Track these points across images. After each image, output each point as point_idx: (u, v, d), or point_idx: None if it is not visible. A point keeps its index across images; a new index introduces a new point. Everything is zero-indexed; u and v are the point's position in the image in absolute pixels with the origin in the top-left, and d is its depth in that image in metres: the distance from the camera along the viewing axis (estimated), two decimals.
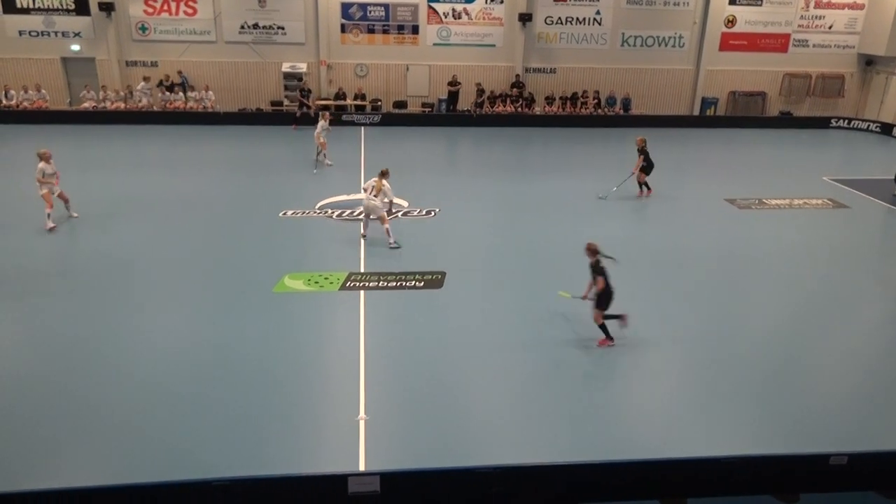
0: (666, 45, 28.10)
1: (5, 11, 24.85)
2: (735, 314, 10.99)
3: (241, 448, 7.37)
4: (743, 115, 28.81)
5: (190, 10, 25.66)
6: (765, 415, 8.19)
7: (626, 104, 27.94)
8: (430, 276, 11.92)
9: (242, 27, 26.05)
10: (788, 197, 17.51)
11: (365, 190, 13.70)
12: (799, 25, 28.44)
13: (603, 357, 9.44)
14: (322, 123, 19.18)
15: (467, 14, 26.76)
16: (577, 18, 27.33)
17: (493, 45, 27.29)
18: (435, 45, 27.01)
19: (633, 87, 28.08)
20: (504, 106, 27.13)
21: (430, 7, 26.51)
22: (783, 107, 29.25)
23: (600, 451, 7.40)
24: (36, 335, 9.81)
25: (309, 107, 25.13)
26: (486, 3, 26.69)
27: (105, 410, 8.01)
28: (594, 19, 27.41)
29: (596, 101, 27.81)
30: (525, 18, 26.59)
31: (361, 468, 7.08)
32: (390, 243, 13.31)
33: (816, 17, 28.38)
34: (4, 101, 24.53)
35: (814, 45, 28.78)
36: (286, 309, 10.71)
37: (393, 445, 7.53)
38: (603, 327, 9.70)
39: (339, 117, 25.68)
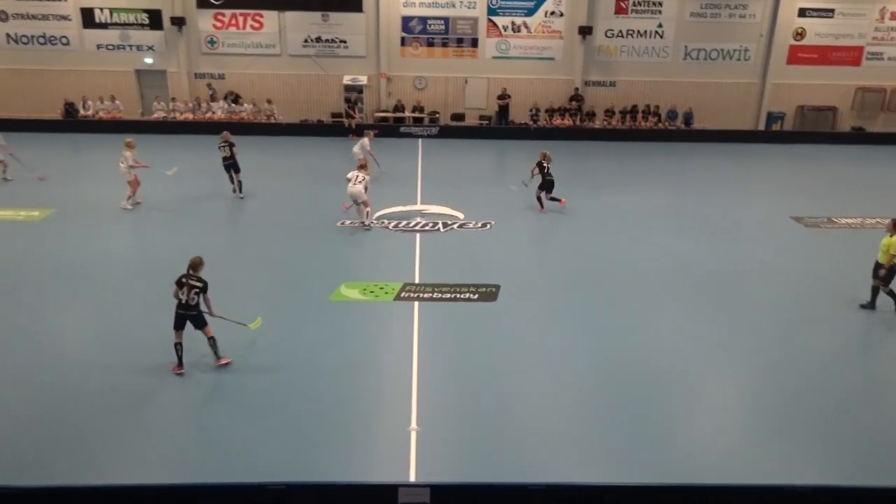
0: (730, 57, 27.45)
1: (86, 26, 26.16)
2: (800, 337, 10.57)
3: (295, 453, 7.47)
4: (812, 130, 27.81)
5: (256, 25, 26.47)
6: (836, 444, 7.83)
7: (688, 118, 27.38)
8: (484, 289, 11.89)
9: (306, 41, 26.71)
10: (860, 216, 16.78)
11: (348, 179, 14.83)
12: (873, 38, 27.37)
13: (661, 378, 9.21)
14: (364, 141, 18.97)
15: (527, 27, 26.76)
16: (639, 31, 27.00)
17: (552, 59, 27.19)
18: (494, 58, 27.09)
19: (695, 101, 27.51)
20: (562, 119, 26.96)
21: (489, 20, 26.62)
22: (855, 122, 28.14)
23: (655, 475, 7.20)
24: (106, 328, 10.20)
25: (353, 116, 25.54)
26: (545, 16, 26.64)
27: (165, 409, 8.25)
28: (656, 32, 27.03)
29: (657, 115, 27.35)
30: (585, 31, 26.42)
31: (412, 479, 7.08)
32: (365, 224, 14.88)
33: (892, 29, 27.26)
34: (82, 112, 25.78)
35: (889, 59, 27.64)
36: (342, 317, 10.84)
37: (444, 457, 7.51)
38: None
39: (396, 129, 26.00)
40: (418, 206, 16.78)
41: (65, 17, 26.14)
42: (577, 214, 16.58)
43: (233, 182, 17.40)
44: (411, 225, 15.35)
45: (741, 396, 8.93)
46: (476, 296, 11.64)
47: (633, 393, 8.78)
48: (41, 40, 26.36)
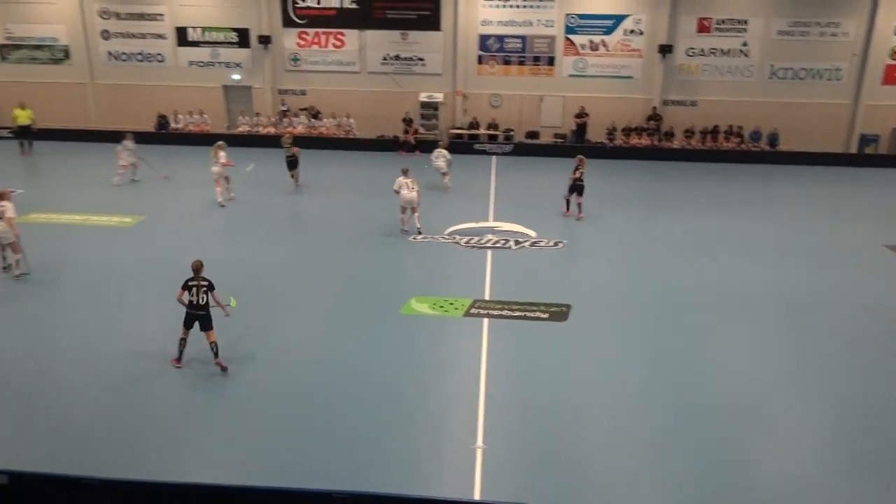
0: (820, 77, 26.34)
1: (179, 44, 27.62)
2: (891, 376, 9.92)
3: (360, 464, 7.54)
4: None
5: (338, 43, 27.27)
6: None
7: (773, 140, 26.39)
8: (555, 308, 11.74)
9: (384, 58, 27.30)
10: None
11: (397, 191, 15.59)
12: None
13: (737, 411, 8.82)
14: (441, 151, 20.11)
15: (605, 46, 26.51)
16: (722, 49, 26.29)
17: (631, 77, 26.80)
18: (570, 76, 26.94)
19: (780, 122, 26.49)
20: (639, 139, 26.48)
21: (567, 39, 26.52)
22: None
23: None
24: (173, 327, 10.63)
25: (408, 132, 25.81)
26: (624, 34, 26.33)
27: (236, 413, 8.50)
28: (741, 50, 26.25)
29: (739, 135, 26.49)
30: (665, 50, 25.94)
31: (476, 497, 7.02)
32: (418, 228, 15.53)
33: None
34: (173, 125, 27.15)
35: None
36: (411, 331, 10.92)
37: (508, 477, 7.41)
38: None
39: (471, 146, 26.17)
40: (490, 223, 16.78)
41: (161, 36, 27.67)
42: (652, 236, 16.21)
43: (293, 178, 19.86)
44: (483, 241, 15.36)
45: (824, 436, 8.44)
46: (546, 315, 11.51)
47: (706, 425, 8.44)
48: (139, 57, 27.97)
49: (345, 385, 9.24)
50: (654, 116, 26.70)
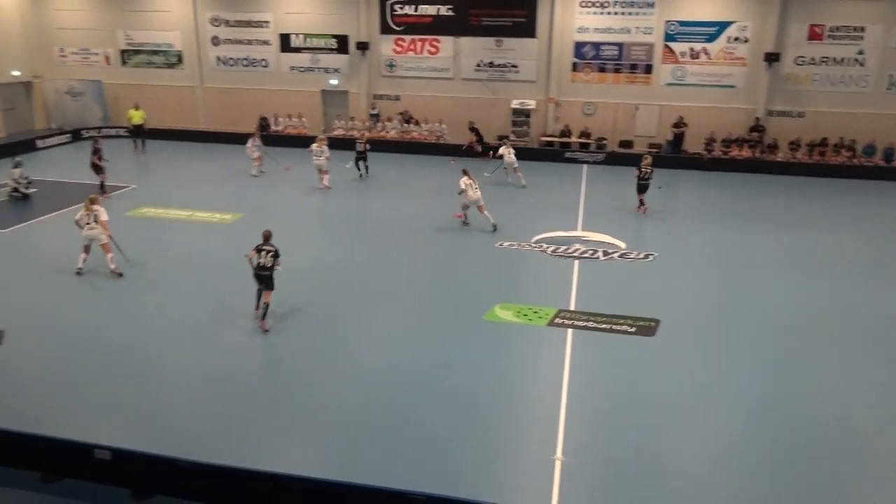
0: None
1: (282, 50, 28.78)
2: None
3: (438, 466, 7.59)
4: None
5: (433, 49, 27.62)
6: None
7: (889, 154, 24.62)
8: (642, 323, 11.41)
9: (478, 65, 27.42)
10: None
11: (463, 190, 16.23)
12: None
13: (832, 437, 8.27)
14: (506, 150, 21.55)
15: (706, 53, 25.57)
16: (835, 58, 24.78)
17: (733, 87, 25.72)
18: (668, 84, 26.14)
19: None
20: (740, 150, 25.37)
21: (666, 46, 25.77)
22: None
23: None
24: (277, 335, 11.04)
25: (476, 140, 25.88)
26: (728, 42, 25.30)
27: (319, 411, 8.74)
28: (856, 59, 24.66)
29: (851, 149, 24.89)
30: (772, 58, 24.73)
31: None
32: (494, 224, 16.26)
33: None
34: (273, 127, 28.31)
35: None
36: (494, 337, 10.89)
37: (587, 492, 7.27)
38: None
39: (561, 154, 25.87)
40: (578, 233, 16.51)
41: (266, 42, 28.91)
42: (750, 252, 15.47)
43: (359, 169, 22.17)
44: (570, 251, 15.14)
45: None
46: (633, 329, 11.20)
47: (798, 452, 7.97)
48: (245, 63, 29.34)
49: (426, 387, 9.33)
50: (757, 127, 25.49)
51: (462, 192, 16.29)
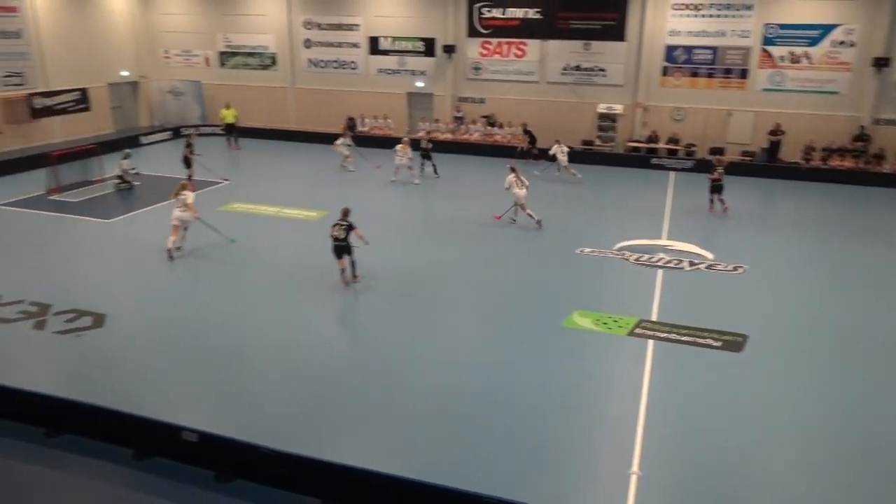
0: None
1: (371, 53, 29.39)
2: None
3: (509, 471, 7.54)
4: None
5: (519, 53, 27.52)
6: None
7: None
8: (729, 337, 10.96)
9: (565, 69, 27.11)
10: None
11: (509, 186, 16.81)
12: None
13: None
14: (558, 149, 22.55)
15: (808, 58, 24.32)
16: None
17: (836, 93, 24.34)
18: (764, 90, 25.03)
19: None
20: (842, 160, 23.98)
21: (764, 50, 24.68)
22: None
23: None
24: (357, 331, 11.29)
25: (531, 144, 25.69)
26: (832, 46, 23.98)
27: (397, 407, 8.85)
28: None
29: None
30: (881, 63, 23.25)
31: None
32: (538, 221, 16.79)
33: None
34: (359, 128, 28.95)
35: None
36: (572, 344, 10.74)
37: None
38: None
39: (647, 160, 25.23)
40: (663, 241, 16.04)
41: (355, 45, 29.60)
42: (849, 269, 14.59)
43: (423, 168, 22.38)
44: (654, 259, 14.73)
45: None
46: (719, 343, 10.78)
47: (883, 480, 7.46)
48: (335, 65, 30.14)
49: (501, 391, 9.30)
50: (862, 136, 24.02)
51: (509, 188, 16.89)
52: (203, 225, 14.91)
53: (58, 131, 26.67)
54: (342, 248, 12.73)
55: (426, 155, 22.60)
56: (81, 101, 27.55)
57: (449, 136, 27.89)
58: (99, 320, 11.27)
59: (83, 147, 22.07)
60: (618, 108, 26.51)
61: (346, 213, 12.87)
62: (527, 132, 26.04)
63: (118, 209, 18.45)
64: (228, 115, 27.79)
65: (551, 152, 22.73)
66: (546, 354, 10.38)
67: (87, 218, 17.42)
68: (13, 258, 14.41)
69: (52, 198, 19.20)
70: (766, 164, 24.57)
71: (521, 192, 16.69)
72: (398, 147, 21.52)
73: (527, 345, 10.71)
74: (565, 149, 22.57)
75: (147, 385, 9.39)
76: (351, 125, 28.80)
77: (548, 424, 8.51)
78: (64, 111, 26.83)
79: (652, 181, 22.83)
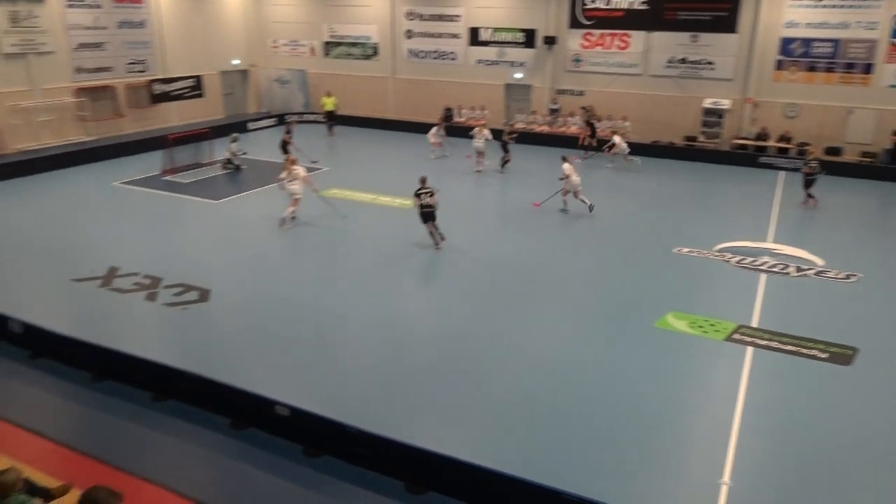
0: None
1: (471, 44, 29.42)
2: None
3: (594, 470, 7.41)
4: None
5: (622, 44, 26.77)
6: None
7: None
8: (837, 349, 10.30)
9: (670, 61, 26.15)
10: None
11: (566, 176, 17.15)
12: None
13: None
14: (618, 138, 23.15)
15: None
16: None
17: None
18: (891, 86, 23.22)
19: None
20: None
21: (892, 44, 22.87)
22: None
23: None
24: (449, 319, 11.41)
25: (590, 134, 25.22)
26: None
27: (486, 398, 8.88)
28: None
29: None
30: None
31: None
32: (589, 203, 17.28)
33: None
34: (456, 118, 29.10)
35: None
36: (664, 346, 10.41)
37: None
38: None
39: (755, 159, 24.01)
40: (769, 244, 15.24)
41: (455, 36, 29.71)
42: None
43: (503, 161, 22.37)
44: (757, 263, 14.02)
45: None
46: (825, 355, 10.15)
47: None
48: (434, 55, 30.39)
49: (589, 389, 9.15)
50: None
51: (566, 177, 17.16)
52: (317, 200, 16.09)
53: (174, 116, 28.31)
54: (431, 214, 14.21)
55: (505, 147, 22.41)
56: (196, 87, 29.10)
57: (545, 129, 27.56)
58: (204, 295, 11.92)
59: (196, 131, 23.36)
60: (725, 104, 25.33)
61: (424, 180, 14.48)
62: (589, 123, 25.71)
63: (226, 191, 19.41)
64: (329, 103, 28.67)
65: (612, 141, 23.19)
66: (637, 355, 10.11)
67: (197, 198, 18.42)
68: (131, 233, 15.46)
69: (166, 178, 20.43)
70: (889, 166, 22.83)
71: (577, 178, 17.17)
72: (475, 130, 22.05)
73: (617, 343, 10.47)
74: (624, 141, 23.30)
75: (246, 359, 9.85)
76: (448, 115, 28.99)
77: (636, 426, 8.30)
78: (180, 97, 28.44)
79: (759, 181, 21.72)
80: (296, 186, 15.67)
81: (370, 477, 7.34)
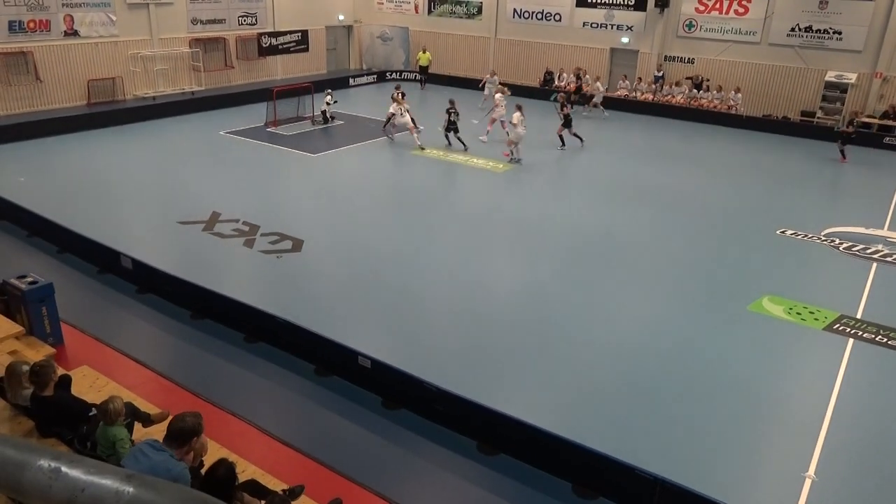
0: None
1: (578, 5, 28.45)
2: None
3: (671, 451, 7.28)
4: None
5: (741, 10, 25.16)
6: None
7: None
8: None
9: (792, 29, 24.38)
10: None
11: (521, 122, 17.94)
12: None
13: None
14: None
15: None
16: None
17: None
18: None
19: None
20: None
21: None
22: None
23: None
24: (539, 285, 11.37)
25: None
26: None
27: (572, 374, 8.84)
28: None
29: None
30: None
31: None
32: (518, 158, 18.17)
33: None
34: (556, 82, 28.42)
35: None
36: (757, 331, 9.98)
37: None
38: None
39: (880, 139, 22.22)
40: (884, 233, 14.19)
41: None
42: None
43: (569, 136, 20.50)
44: (869, 251, 13.10)
45: None
46: None
47: None
48: (539, 16, 29.63)
49: (678, 370, 8.94)
50: None
51: (495, 107, 20.05)
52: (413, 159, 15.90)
53: (279, 69, 29.13)
54: (453, 127, 18.82)
55: (567, 123, 20.09)
56: (302, 41, 29.74)
57: (649, 97, 26.52)
58: (298, 245, 12.38)
59: (299, 84, 23.98)
60: (850, 77, 23.46)
61: (453, 102, 18.85)
62: (577, 77, 26.22)
63: (323, 145, 19.92)
64: (423, 59, 29.58)
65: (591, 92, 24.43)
66: (728, 338, 9.75)
67: (297, 151, 19.01)
68: (233, 181, 16.19)
69: (269, 130, 21.16)
70: None
71: (521, 131, 17.95)
72: (497, 96, 20.64)
73: (709, 326, 10.11)
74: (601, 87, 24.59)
75: (334, 309, 10.21)
76: (547, 79, 28.37)
77: (723, 411, 8.06)
78: (286, 51, 29.16)
79: (881, 163, 20.15)
80: (405, 119, 18.92)
81: (447, 434, 7.50)
